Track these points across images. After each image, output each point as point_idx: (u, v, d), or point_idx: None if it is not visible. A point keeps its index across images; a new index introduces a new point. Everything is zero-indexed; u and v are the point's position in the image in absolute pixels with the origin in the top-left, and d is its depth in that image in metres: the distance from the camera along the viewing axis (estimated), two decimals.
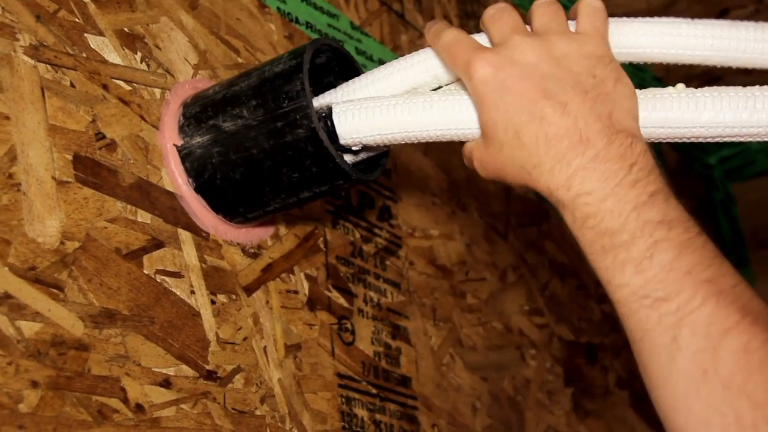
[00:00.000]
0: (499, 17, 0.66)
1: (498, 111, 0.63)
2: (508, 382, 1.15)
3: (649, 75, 1.86)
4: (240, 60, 0.88)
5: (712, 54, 0.69)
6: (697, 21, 0.69)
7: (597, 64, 0.65)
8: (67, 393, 0.62)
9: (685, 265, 0.57)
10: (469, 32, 0.71)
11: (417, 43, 1.20)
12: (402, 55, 0.74)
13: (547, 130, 0.61)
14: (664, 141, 0.68)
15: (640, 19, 0.69)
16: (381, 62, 1.07)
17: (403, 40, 1.18)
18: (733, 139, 0.66)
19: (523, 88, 0.62)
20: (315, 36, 1.00)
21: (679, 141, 0.67)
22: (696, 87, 0.68)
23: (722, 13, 1.70)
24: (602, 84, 0.64)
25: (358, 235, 0.98)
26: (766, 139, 0.66)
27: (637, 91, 0.67)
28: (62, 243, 0.65)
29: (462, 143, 0.71)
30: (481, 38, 0.68)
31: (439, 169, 1.17)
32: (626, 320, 0.59)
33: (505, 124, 0.62)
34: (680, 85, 0.68)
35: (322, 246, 0.91)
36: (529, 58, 0.63)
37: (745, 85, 0.65)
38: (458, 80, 0.72)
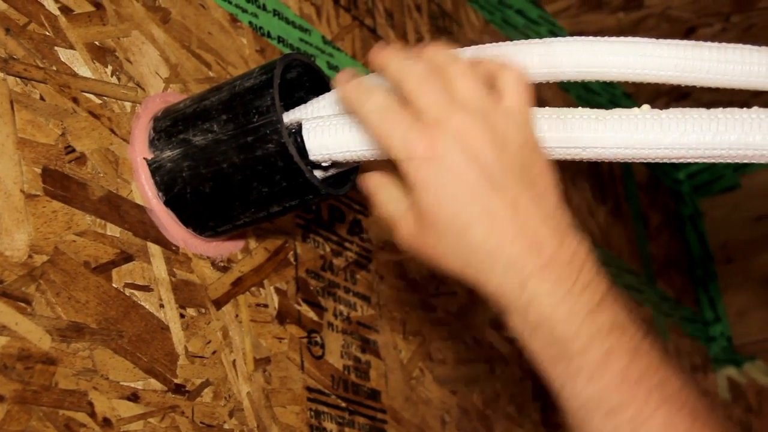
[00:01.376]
0: (433, 82, 0.60)
1: (443, 199, 0.58)
2: (478, 395, 1.15)
3: (619, 91, 1.88)
4: (211, 74, 0.88)
5: (676, 74, 0.70)
6: (661, 41, 0.70)
7: (534, 150, 0.61)
8: (34, 407, 0.62)
9: (637, 371, 0.57)
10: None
11: None
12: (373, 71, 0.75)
13: (500, 231, 0.58)
14: (630, 161, 0.69)
15: (605, 39, 0.70)
16: None
17: None
18: (697, 161, 0.68)
19: (471, 177, 0.58)
20: (287, 50, 1.01)
21: (644, 162, 0.68)
22: (666, 103, 0.69)
23: (689, 31, 1.73)
24: (542, 175, 0.61)
25: (328, 249, 0.98)
26: (728, 161, 0.67)
27: (603, 111, 0.68)
28: (30, 256, 0.65)
29: None
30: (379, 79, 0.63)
31: None
32: (579, 430, 0.58)
33: (452, 215, 0.58)
34: (645, 106, 0.69)
35: (292, 260, 0.92)
36: (474, 142, 0.58)
37: (712, 102, 0.67)
38: None
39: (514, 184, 0.59)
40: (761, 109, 0.67)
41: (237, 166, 0.73)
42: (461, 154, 0.58)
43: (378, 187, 0.65)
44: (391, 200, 0.63)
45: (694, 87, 0.71)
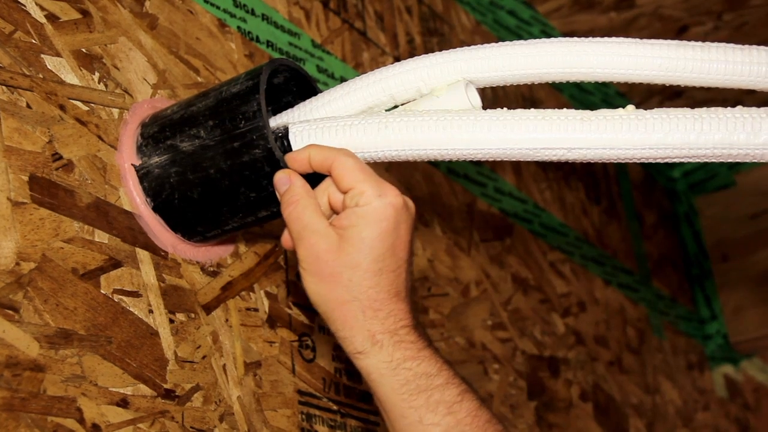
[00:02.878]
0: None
1: (382, 240, 0.67)
2: None
3: (612, 90, 1.89)
4: (200, 79, 0.88)
5: (662, 73, 0.71)
6: (646, 41, 0.70)
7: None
8: (22, 414, 0.62)
9: (486, 416, 0.68)
10: (432, 50, 0.73)
11: (379, 60, 1.21)
12: (363, 73, 0.75)
13: (395, 289, 0.68)
14: (615, 162, 0.69)
15: (590, 39, 0.70)
16: (343, 80, 1.08)
17: (365, 57, 1.19)
18: (682, 160, 0.68)
19: (407, 238, 0.70)
20: (276, 55, 1.01)
21: (629, 162, 0.69)
22: (659, 101, 0.69)
23: (681, 30, 1.73)
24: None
25: None
26: (712, 160, 0.67)
27: (588, 112, 0.68)
28: (18, 264, 0.65)
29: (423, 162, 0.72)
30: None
31: (401, 185, 1.18)
32: None
33: (378, 257, 0.67)
34: (630, 107, 0.69)
35: (282, 263, 0.92)
36: (414, 214, 0.71)
37: (706, 100, 0.67)
38: (413, 100, 0.74)
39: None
40: (745, 109, 0.67)
41: (224, 171, 0.73)
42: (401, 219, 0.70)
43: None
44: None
45: (686, 86, 0.72)
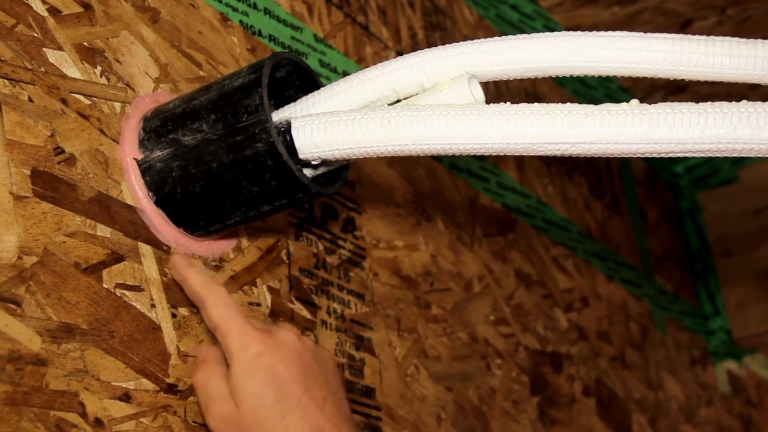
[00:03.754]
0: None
1: (266, 388, 0.69)
2: (474, 391, 1.15)
3: (615, 85, 1.88)
4: (202, 73, 0.88)
5: (665, 67, 0.70)
6: (649, 35, 0.70)
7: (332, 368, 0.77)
8: (24, 408, 0.62)
9: None
10: (435, 45, 0.73)
11: (381, 55, 1.21)
12: (366, 68, 0.75)
13: (311, 423, 0.69)
14: (618, 156, 0.69)
15: (593, 33, 0.70)
16: (345, 74, 1.08)
17: (367, 52, 1.19)
18: (686, 155, 0.67)
19: (292, 374, 0.70)
20: (278, 49, 1.01)
21: (633, 157, 0.68)
22: (662, 96, 0.69)
23: (685, 25, 1.72)
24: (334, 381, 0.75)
25: (321, 247, 0.98)
26: (717, 155, 0.67)
27: (591, 107, 0.68)
28: (20, 258, 0.65)
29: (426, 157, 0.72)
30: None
31: (404, 180, 1.17)
32: None
33: (273, 403, 0.69)
34: (634, 101, 0.69)
35: (284, 258, 0.92)
36: (294, 346, 0.72)
37: (710, 95, 0.67)
38: (416, 94, 0.73)
39: (320, 386, 0.73)
40: (750, 103, 0.67)
41: (226, 165, 0.73)
42: (285, 351, 0.72)
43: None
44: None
45: (690, 80, 0.71)
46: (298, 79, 0.79)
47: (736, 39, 0.69)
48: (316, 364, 0.73)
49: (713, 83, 0.73)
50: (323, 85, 0.77)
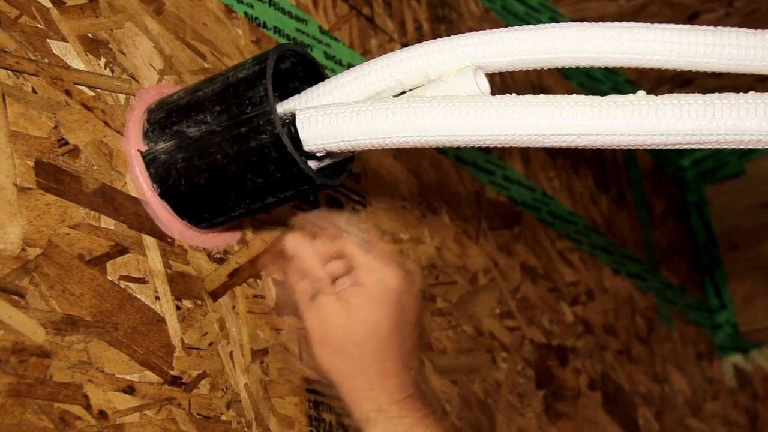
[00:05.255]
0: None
1: (383, 321, 0.72)
2: (479, 385, 1.15)
3: (621, 78, 1.88)
4: (206, 65, 0.88)
5: (672, 58, 0.70)
6: (657, 26, 0.69)
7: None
8: (28, 400, 0.62)
9: None
10: (440, 37, 0.72)
11: (387, 47, 1.21)
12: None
13: (402, 371, 0.72)
14: (626, 148, 0.68)
15: (600, 24, 0.70)
16: (350, 67, 1.07)
17: (372, 44, 1.18)
18: (693, 146, 0.67)
19: (405, 318, 0.73)
20: (283, 41, 1.00)
21: (641, 148, 0.68)
22: (669, 89, 0.69)
23: (692, 17, 1.72)
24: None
25: None
26: (724, 147, 0.67)
27: (598, 98, 0.67)
28: (24, 250, 0.65)
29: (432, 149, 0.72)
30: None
31: (409, 172, 1.17)
32: None
33: (381, 338, 0.72)
34: (641, 93, 0.68)
35: None
36: (418, 287, 0.75)
37: (717, 88, 0.66)
38: (421, 86, 0.73)
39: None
40: (758, 94, 0.66)
41: (231, 157, 0.73)
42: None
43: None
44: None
45: (697, 73, 0.71)
46: (302, 70, 0.78)
47: (744, 30, 0.69)
48: (418, 310, 0.76)
49: (720, 76, 0.72)
50: (328, 77, 0.76)
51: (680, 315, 1.86)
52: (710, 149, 2.11)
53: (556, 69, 1.60)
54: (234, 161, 0.73)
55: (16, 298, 0.63)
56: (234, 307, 0.82)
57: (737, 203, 2.10)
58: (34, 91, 0.70)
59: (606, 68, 0.70)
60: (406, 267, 0.74)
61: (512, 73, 1.49)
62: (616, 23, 0.70)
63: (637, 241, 1.81)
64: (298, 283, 0.75)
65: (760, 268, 2.02)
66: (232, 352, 0.80)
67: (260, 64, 0.73)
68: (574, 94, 0.69)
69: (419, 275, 0.76)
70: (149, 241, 0.75)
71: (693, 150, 2.13)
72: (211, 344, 0.78)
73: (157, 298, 0.74)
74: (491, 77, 0.74)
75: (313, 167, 0.75)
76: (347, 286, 0.73)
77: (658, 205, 2.00)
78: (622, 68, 0.71)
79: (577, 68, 0.73)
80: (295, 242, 0.75)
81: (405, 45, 1.24)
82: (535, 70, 0.83)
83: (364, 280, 0.72)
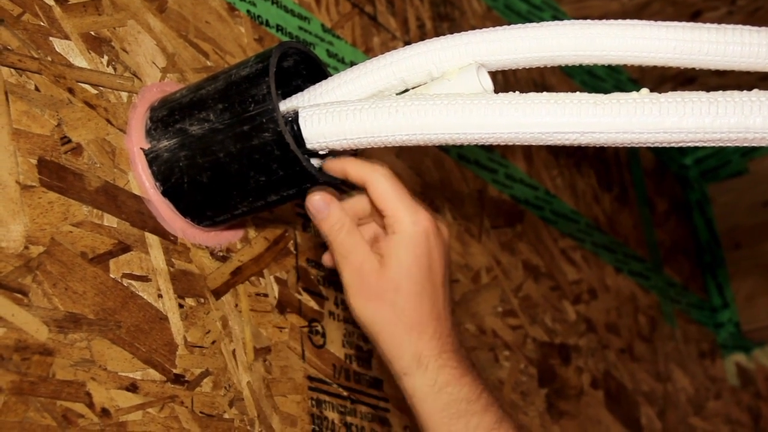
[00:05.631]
0: None
1: (420, 265, 0.71)
2: None
3: (624, 76, 1.87)
4: (209, 63, 0.88)
5: (676, 56, 0.69)
6: (660, 23, 0.69)
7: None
8: (31, 398, 0.62)
9: None
10: (443, 35, 0.72)
11: (389, 45, 1.21)
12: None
13: (434, 305, 0.72)
14: (628, 146, 0.68)
15: (603, 21, 0.70)
16: (353, 65, 1.07)
17: (375, 42, 1.18)
18: (697, 144, 0.67)
19: (441, 263, 0.73)
20: (286, 39, 1.00)
21: (644, 146, 0.68)
22: (671, 87, 0.69)
23: (695, 15, 1.71)
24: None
25: None
26: (728, 145, 0.66)
27: (601, 96, 0.67)
28: (26, 247, 0.65)
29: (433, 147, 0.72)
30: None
31: (411, 171, 1.17)
32: None
33: (418, 280, 0.71)
34: (644, 90, 0.68)
35: (292, 249, 0.91)
36: (448, 239, 0.75)
37: (719, 86, 0.66)
38: (424, 84, 0.73)
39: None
40: (761, 92, 0.66)
41: (233, 155, 0.73)
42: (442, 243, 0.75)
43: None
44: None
45: (700, 71, 0.71)
46: (305, 68, 0.78)
47: (747, 27, 0.69)
48: (447, 264, 0.75)
49: (723, 74, 0.72)
50: (331, 75, 0.76)
51: (683, 314, 1.86)
52: (713, 147, 2.11)
53: (559, 67, 1.60)
54: (237, 159, 0.73)
55: (19, 295, 0.63)
56: (237, 305, 0.82)
57: (740, 202, 2.09)
58: (36, 88, 0.70)
59: (609, 66, 0.70)
60: (438, 218, 0.74)
61: (515, 72, 1.50)
62: (619, 21, 0.70)
63: (640, 240, 1.81)
64: (334, 237, 0.73)
65: (762, 267, 2.02)
66: (234, 350, 0.80)
67: (263, 62, 0.73)
68: (577, 92, 0.69)
69: (447, 231, 0.75)
70: (152, 239, 0.75)
71: (696, 148, 2.13)
72: (213, 342, 0.78)
73: (160, 296, 0.74)
74: (494, 75, 0.74)
75: (316, 165, 0.75)
76: (380, 235, 0.73)
77: (660, 203, 2.00)
78: (624, 66, 0.71)
79: (580, 66, 0.73)
80: (322, 198, 0.74)
81: (408, 43, 1.24)
82: (538, 68, 0.83)
83: (395, 228, 0.71)
